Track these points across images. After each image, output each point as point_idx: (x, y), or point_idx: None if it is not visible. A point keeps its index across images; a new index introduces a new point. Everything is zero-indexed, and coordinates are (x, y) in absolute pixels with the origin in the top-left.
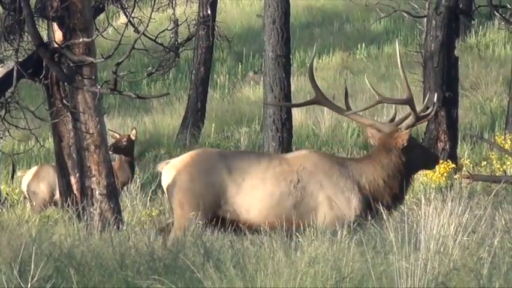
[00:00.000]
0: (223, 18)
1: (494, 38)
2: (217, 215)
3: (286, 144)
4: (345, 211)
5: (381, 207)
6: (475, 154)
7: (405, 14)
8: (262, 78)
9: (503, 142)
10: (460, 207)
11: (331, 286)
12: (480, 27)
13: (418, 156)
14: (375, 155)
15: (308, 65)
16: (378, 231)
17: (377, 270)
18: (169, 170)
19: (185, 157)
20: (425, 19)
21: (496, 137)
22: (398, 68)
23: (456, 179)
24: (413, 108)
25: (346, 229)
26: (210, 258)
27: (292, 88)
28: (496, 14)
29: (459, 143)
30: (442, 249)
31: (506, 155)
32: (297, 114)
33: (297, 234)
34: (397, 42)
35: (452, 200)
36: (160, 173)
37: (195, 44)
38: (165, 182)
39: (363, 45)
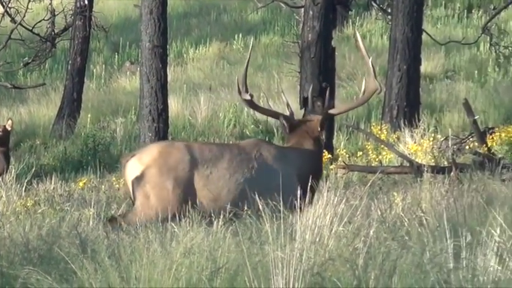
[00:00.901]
0: (100, 8)
1: (371, 28)
2: (183, 207)
3: (162, 135)
4: (294, 193)
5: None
6: (351, 144)
7: (282, 5)
8: (138, 69)
9: (379, 132)
10: (336, 198)
11: (207, 277)
12: (357, 17)
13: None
14: (304, 143)
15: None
16: (254, 222)
17: (252, 261)
18: (136, 163)
19: (153, 151)
20: (302, 9)
21: (372, 128)
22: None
23: (332, 169)
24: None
25: (221, 219)
26: (85, 249)
27: (169, 78)
28: (374, 4)
29: (335, 133)
30: (317, 240)
31: (382, 146)
32: (173, 104)
33: (173, 224)
34: (357, 32)
35: (328, 190)
36: (124, 166)
37: (72, 34)
38: (131, 175)
39: (240, 35)
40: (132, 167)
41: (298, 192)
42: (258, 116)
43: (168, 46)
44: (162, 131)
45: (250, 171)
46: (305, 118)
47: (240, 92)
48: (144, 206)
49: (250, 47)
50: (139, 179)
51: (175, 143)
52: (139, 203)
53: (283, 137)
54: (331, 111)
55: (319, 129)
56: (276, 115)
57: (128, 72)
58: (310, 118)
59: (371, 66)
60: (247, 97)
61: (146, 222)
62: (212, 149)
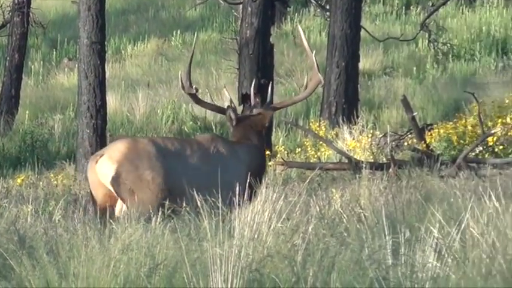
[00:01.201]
0: (38, 4)
1: (310, 25)
2: (169, 194)
3: (100, 132)
4: (244, 186)
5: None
6: (289, 141)
7: (221, 1)
8: (76, 65)
9: (318, 129)
10: (275, 194)
11: (145, 273)
12: (296, 14)
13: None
14: (250, 137)
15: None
16: (192, 218)
17: (191, 257)
18: (108, 163)
19: (120, 147)
20: (240, 6)
21: (310, 124)
22: (214, 54)
23: (271, 165)
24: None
25: (160, 216)
26: (23, 246)
27: (107, 75)
28: (312, 1)
29: (274, 129)
30: (256, 236)
31: (321, 142)
32: (111, 101)
33: (111, 221)
34: (299, 26)
35: (266, 187)
36: (93, 168)
37: (10, 30)
38: (106, 176)
39: (178, 32)
40: (105, 168)
41: (247, 188)
42: (197, 112)
43: (106, 43)
44: (100, 128)
45: (209, 166)
46: (251, 112)
47: (183, 87)
48: (134, 203)
49: (194, 42)
50: (116, 179)
51: (138, 138)
52: (129, 202)
53: (222, 132)
54: (276, 105)
55: (266, 124)
56: (220, 109)
57: (66, 69)
58: (257, 112)
59: (314, 59)
60: (192, 91)
61: (143, 218)
62: (174, 143)
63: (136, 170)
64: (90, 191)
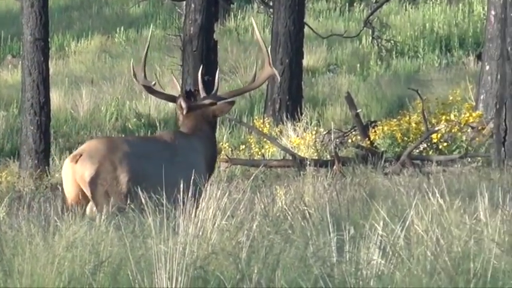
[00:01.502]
0: None
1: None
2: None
3: (44, 128)
4: (203, 183)
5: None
6: (233, 138)
7: None
8: (20, 62)
9: (262, 126)
10: (219, 191)
11: (90, 270)
12: (239, 11)
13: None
14: (202, 127)
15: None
16: (137, 215)
17: (135, 255)
18: (88, 163)
19: (99, 147)
20: (184, 2)
21: (254, 121)
22: (157, 51)
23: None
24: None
25: (104, 213)
26: None
27: (51, 72)
28: None
29: (218, 126)
30: (200, 233)
31: (265, 139)
32: (55, 97)
33: (56, 218)
34: (253, 20)
35: (211, 184)
36: (71, 167)
37: None
38: (86, 175)
39: (122, 28)
40: (85, 167)
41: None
42: (140, 109)
43: (49, 39)
44: (44, 125)
45: (178, 160)
46: (202, 102)
47: (136, 78)
48: (105, 206)
49: (149, 37)
50: (95, 179)
51: (113, 138)
52: (100, 206)
53: (166, 128)
54: (223, 94)
55: (221, 115)
56: (172, 98)
57: (9, 66)
58: (208, 102)
59: (267, 52)
60: (148, 83)
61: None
62: (143, 141)
63: (115, 171)
64: (63, 189)
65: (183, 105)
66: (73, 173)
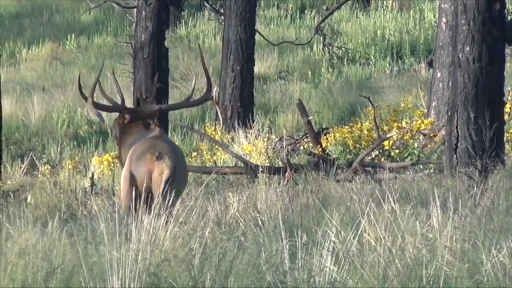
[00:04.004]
0: None
1: (205, 29)
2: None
3: None
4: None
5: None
6: (185, 145)
7: (115, 5)
8: None
9: (214, 133)
10: (171, 198)
11: (42, 277)
12: (190, 18)
13: None
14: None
15: None
16: (89, 222)
17: (88, 261)
18: (170, 159)
19: (167, 148)
20: (135, 10)
21: (206, 128)
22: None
23: None
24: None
25: (56, 220)
26: None
27: (2, 79)
28: (206, 5)
29: (169, 133)
30: (153, 240)
31: (217, 146)
32: (6, 105)
33: (7, 225)
34: (200, 48)
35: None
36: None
37: None
38: (167, 172)
39: (73, 35)
40: (167, 165)
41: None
42: (92, 116)
43: (0, 46)
44: None
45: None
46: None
47: (83, 97)
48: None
49: (100, 69)
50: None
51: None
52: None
53: (116, 136)
54: (163, 106)
55: (153, 123)
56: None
57: None
58: (148, 110)
59: (208, 79)
60: (96, 113)
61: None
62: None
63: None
64: (136, 185)
65: (127, 116)
66: (155, 169)
